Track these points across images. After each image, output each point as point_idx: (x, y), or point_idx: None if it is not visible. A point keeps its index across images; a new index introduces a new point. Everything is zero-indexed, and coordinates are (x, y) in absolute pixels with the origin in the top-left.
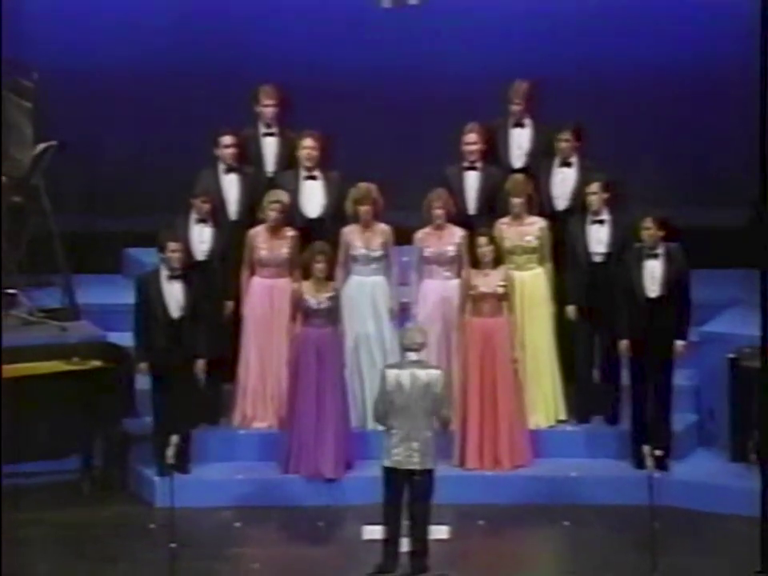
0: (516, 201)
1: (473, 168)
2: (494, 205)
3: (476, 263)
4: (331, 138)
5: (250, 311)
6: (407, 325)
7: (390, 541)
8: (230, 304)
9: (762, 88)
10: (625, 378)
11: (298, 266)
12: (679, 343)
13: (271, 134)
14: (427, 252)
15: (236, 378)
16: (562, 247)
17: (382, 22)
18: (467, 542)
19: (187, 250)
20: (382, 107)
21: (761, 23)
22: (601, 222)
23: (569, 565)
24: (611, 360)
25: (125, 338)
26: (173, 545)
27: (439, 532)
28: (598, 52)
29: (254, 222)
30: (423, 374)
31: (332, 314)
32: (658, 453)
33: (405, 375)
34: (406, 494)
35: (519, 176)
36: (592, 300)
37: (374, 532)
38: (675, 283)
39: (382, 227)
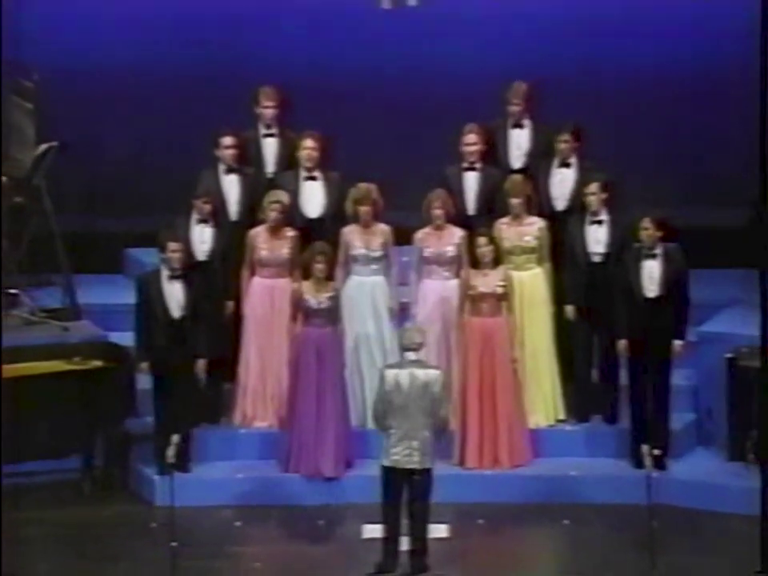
0: (515, 201)
1: (472, 168)
2: (493, 205)
3: (475, 263)
4: (331, 139)
5: (251, 311)
6: (406, 325)
7: (390, 540)
8: (230, 304)
9: (761, 88)
10: (623, 377)
11: (299, 266)
12: (677, 343)
13: (271, 135)
14: (427, 252)
15: (236, 377)
16: (561, 247)
17: (381, 23)
18: (467, 541)
19: (188, 250)
20: (382, 108)
21: (761, 23)
22: (599, 222)
23: (568, 563)
24: (610, 360)
25: (126, 338)
26: (173, 543)
27: (439, 531)
28: (597, 52)
29: (255, 222)
30: (422, 373)
31: (332, 314)
32: (656, 452)
33: (403, 375)
34: (405, 493)
35: (518, 176)
36: (591, 300)
37: (374, 531)
38: (673, 283)
39: (382, 227)
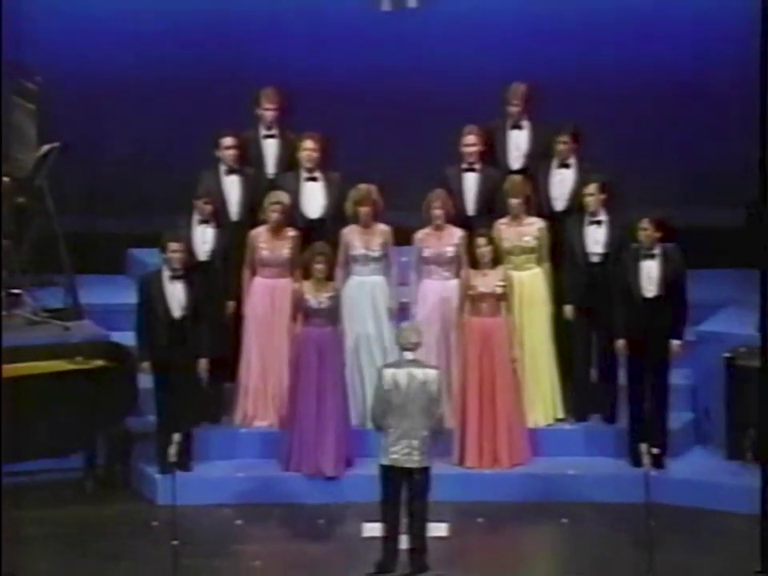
0: (514, 201)
1: (472, 169)
2: (492, 206)
3: (475, 263)
4: (331, 140)
5: (252, 311)
6: (403, 324)
7: (390, 538)
8: (231, 304)
9: (761, 88)
10: (622, 377)
11: (299, 266)
12: (675, 342)
13: (272, 136)
14: (426, 252)
15: (237, 377)
16: (560, 248)
17: (381, 25)
18: (466, 540)
19: (189, 251)
20: (382, 109)
21: (761, 23)
22: (598, 222)
23: (567, 562)
24: (609, 359)
25: (127, 338)
26: (175, 542)
27: (438, 529)
28: (597, 53)
29: (255, 222)
30: (420, 372)
31: (332, 314)
32: (654, 451)
33: (401, 374)
34: (404, 491)
35: (517, 177)
36: (589, 300)
37: (374, 529)
38: (672, 283)
39: (382, 228)
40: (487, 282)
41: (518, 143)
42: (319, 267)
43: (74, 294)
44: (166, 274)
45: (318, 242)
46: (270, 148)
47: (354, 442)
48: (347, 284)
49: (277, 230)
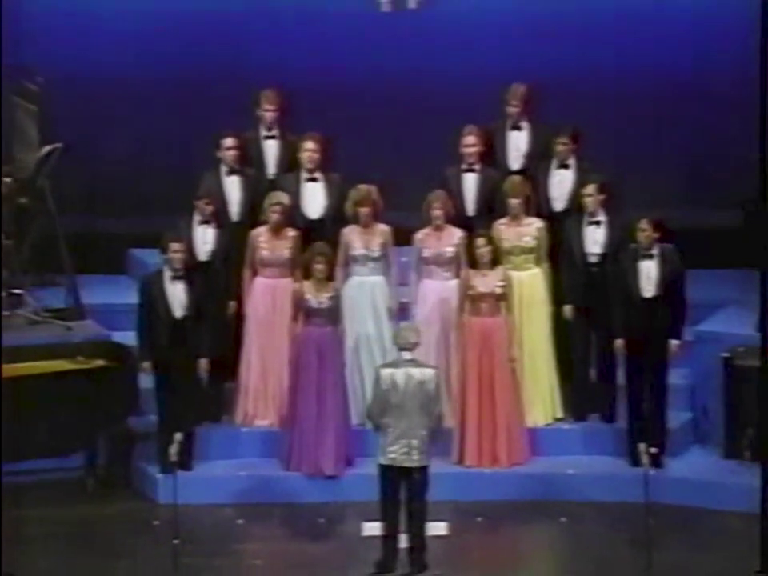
0: (514, 202)
1: (471, 170)
2: (492, 206)
3: (474, 264)
4: (332, 141)
5: (252, 311)
6: (401, 324)
7: (389, 537)
8: (232, 304)
9: (761, 88)
10: (621, 376)
11: (299, 267)
12: (674, 342)
13: (272, 137)
14: (426, 252)
15: (238, 376)
16: (560, 248)
17: (381, 26)
18: (465, 539)
19: (190, 251)
20: (382, 110)
21: (761, 23)
22: (597, 223)
23: (566, 561)
24: (607, 359)
25: (129, 338)
26: (176, 541)
27: (438, 528)
28: (596, 54)
29: (256, 223)
30: (417, 372)
31: (333, 314)
32: (653, 450)
33: (399, 374)
34: (403, 491)
35: (517, 177)
36: (588, 300)
37: (374, 528)
38: (670, 283)
39: (382, 228)
40: (487, 282)
41: (518, 144)
42: (319, 267)
43: (75, 294)
44: (167, 274)
45: (318, 242)
46: (271, 149)
47: (354, 441)
48: (347, 284)
49: (277, 231)
